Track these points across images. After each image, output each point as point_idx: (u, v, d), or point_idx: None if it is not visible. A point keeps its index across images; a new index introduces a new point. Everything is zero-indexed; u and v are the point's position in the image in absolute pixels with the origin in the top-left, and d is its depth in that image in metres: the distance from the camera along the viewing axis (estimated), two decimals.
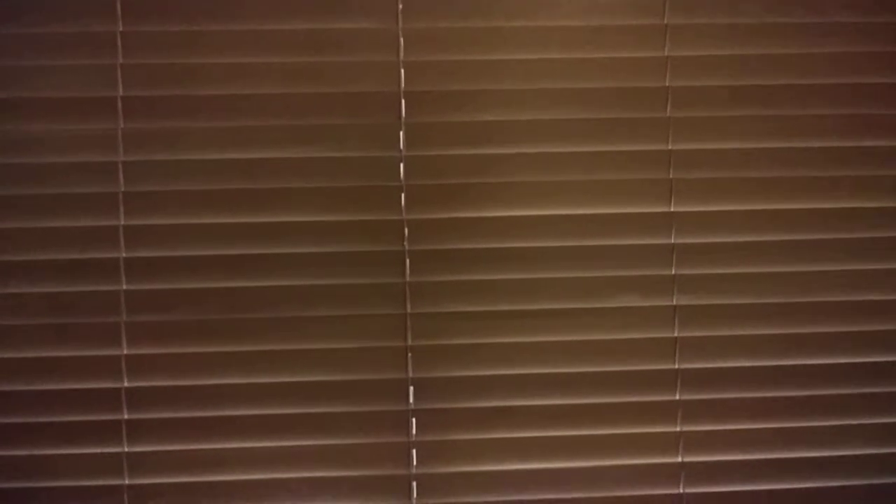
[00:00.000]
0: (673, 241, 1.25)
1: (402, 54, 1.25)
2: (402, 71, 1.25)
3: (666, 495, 1.22)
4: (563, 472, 1.22)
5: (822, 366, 1.25)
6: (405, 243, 1.24)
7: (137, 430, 1.20)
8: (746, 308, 1.24)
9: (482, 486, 1.21)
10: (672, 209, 1.25)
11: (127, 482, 1.19)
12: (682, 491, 1.22)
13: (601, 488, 1.22)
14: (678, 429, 1.23)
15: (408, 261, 1.23)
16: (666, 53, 1.27)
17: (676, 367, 1.24)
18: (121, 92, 1.23)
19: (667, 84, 1.27)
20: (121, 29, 1.23)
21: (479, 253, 1.23)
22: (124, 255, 1.21)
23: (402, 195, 1.24)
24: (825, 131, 1.27)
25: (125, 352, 1.20)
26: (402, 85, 1.25)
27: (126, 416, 1.20)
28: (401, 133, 1.25)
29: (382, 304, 1.23)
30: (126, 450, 1.19)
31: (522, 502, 1.21)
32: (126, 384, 1.20)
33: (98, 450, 1.19)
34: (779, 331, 1.25)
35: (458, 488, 1.21)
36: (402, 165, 1.24)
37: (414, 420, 1.22)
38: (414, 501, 1.21)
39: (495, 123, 1.25)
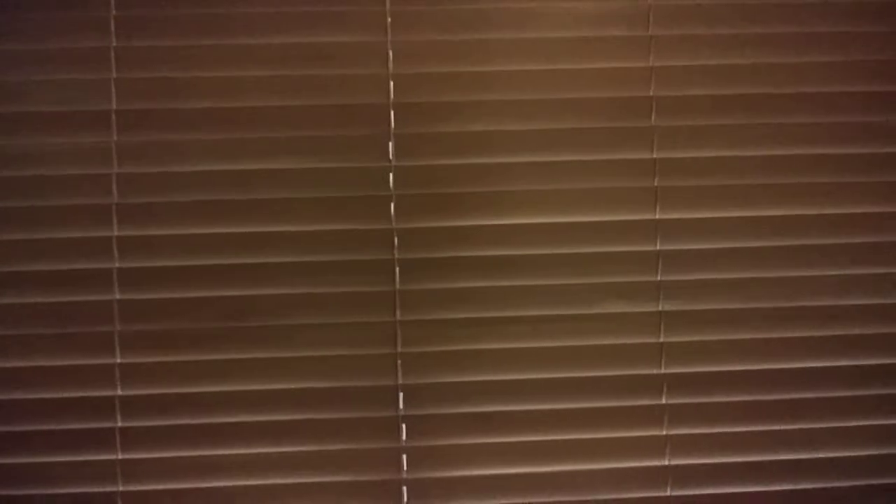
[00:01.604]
0: (658, 247, 1.27)
1: (391, 67, 1.27)
2: (392, 83, 1.27)
3: (653, 498, 1.24)
4: (552, 476, 1.23)
5: (807, 369, 1.26)
6: (395, 252, 1.25)
7: (131, 438, 1.21)
8: (731, 313, 1.26)
9: (472, 490, 1.23)
10: (657, 216, 1.27)
11: (121, 489, 1.21)
12: (669, 494, 1.24)
13: (589, 492, 1.23)
14: (664, 432, 1.25)
15: (397, 269, 1.25)
16: (650, 64, 1.29)
17: (662, 371, 1.25)
18: (114, 105, 1.25)
19: (651, 94, 1.29)
20: (114, 44, 1.25)
21: (468, 261, 1.25)
22: (118, 265, 1.23)
23: (392, 205, 1.26)
24: (808, 139, 1.29)
25: (118, 360, 1.22)
26: (392, 96, 1.27)
27: (119, 424, 1.21)
28: (390, 144, 1.27)
29: (372, 311, 1.24)
30: (120, 457, 1.21)
31: None
32: (119, 392, 1.22)
33: (92, 457, 1.21)
34: (763, 335, 1.26)
35: (449, 493, 1.23)
36: (391, 175, 1.26)
37: (404, 426, 1.23)
38: None
39: (483, 134, 1.27)
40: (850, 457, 1.25)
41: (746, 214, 1.27)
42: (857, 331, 1.27)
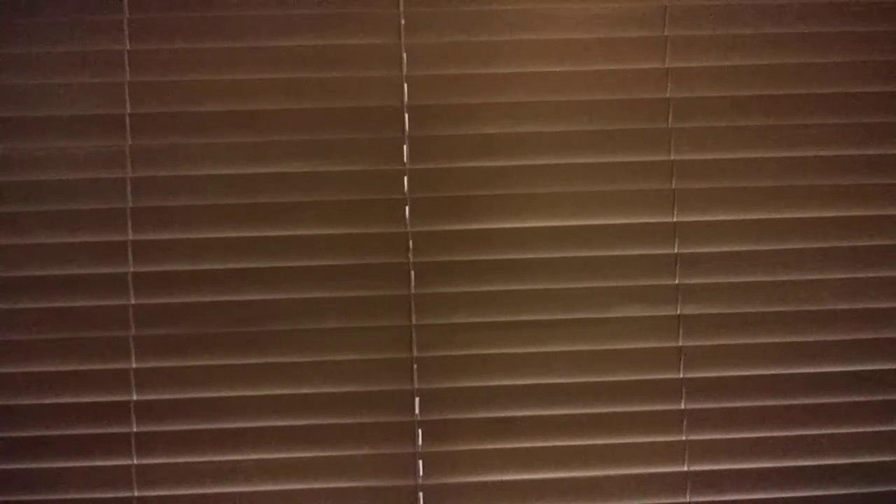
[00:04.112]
0: (676, 250, 1.26)
1: (405, 69, 1.27)
2: (406, 85, 1.27)
3: None
4: (569, 482, 1.22)
5: (827, 374, 1.25)
6: (410, 255, 1.25)
7: (146, 443, 1.21)
8: (750, 317, 1.25)
9: (488, 496, 1.22)
10: (675, 219, 1.26)
11: (136, 494, 1.20)
12: (688, 500, 1.23)
13: (607, 498, 1.22)
14: (683, 438, 1.23)
15: (412, 272, 1.24)
16: (667, 65, 1.28)
17: (681, 376, 1.24)
18: (129, 109, 1.25)
19: (668, 95, 1.28)
20: (128, 47, 1.25)
21: (483, 264, 1.24)
22: (132, 269, 1.23)
23: (407, 208, 1.25)
24: (826, 140, 1.28)
25: (134, 365, 1.22)
26: (406, 99, 1.26)
27: (135, 429, 1.21)
28: (404, 146, 1.26)
29: (388, 315, 1.24)
30: (135, 462, 1.21)
31: None
32: (135, 397, 1.21)
33: (108, 462, 1.20)
34: (783, 339, 1.25)
35: (465, 498, 1.22)
36: (405, 178, 1.26)
37: (420, 431, 1.23)
38: None
39: (498, 136, 1.26)
40: (873, 462, 1.24)
41: (766, 217, 1.26)
42: (880, 334, 1.25)
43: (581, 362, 1.24)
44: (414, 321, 1.24)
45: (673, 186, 1.26)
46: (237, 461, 1.21)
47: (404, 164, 1.26)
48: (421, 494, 1.22)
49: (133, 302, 1.22)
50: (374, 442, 1.22)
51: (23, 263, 1.22)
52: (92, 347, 1.21)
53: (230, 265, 1.23)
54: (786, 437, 1.24)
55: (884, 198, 1.27)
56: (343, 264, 1.24)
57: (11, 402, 1.21)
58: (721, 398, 1.24)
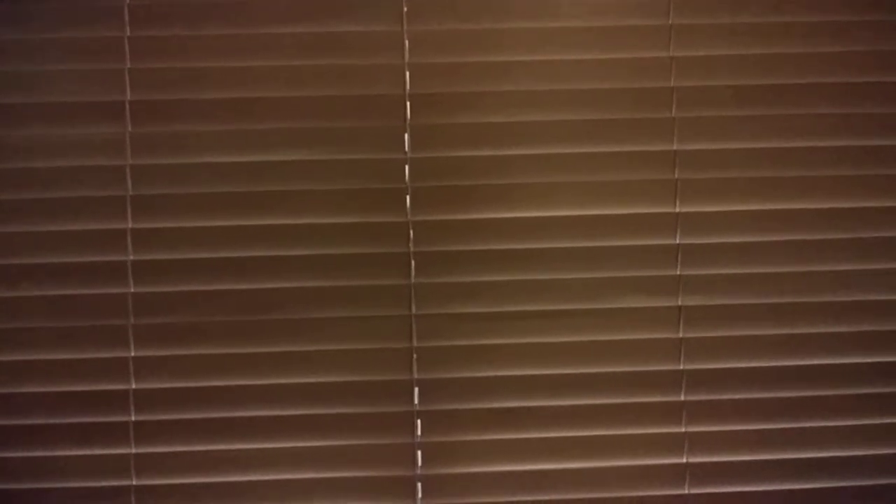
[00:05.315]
0: (678, 241, 1.25)
1: (406, 57, 1.26)
2: (407, 73, 1.26)
3: (671, 496, 1.22)
4: (569, 473, 1.22)
5: (828, 366, 1.24)
6: (410, 245, 1.24)
7: (145, 432, 1.21)
8: (751, 308, 1.24)
9: (487, 486, 1.22)
10: (677, 209, 1.25)
11: (134, 483, 1.20)
12: (687, 491, 1.22)
13: (606, 489, 1.22)
14: (683, 429, 1.23)
15: (413, 262, 1.24)
16: (670, 54, 1.27)
17: (681, 367, 1.24)
18: (129, 96, 1.24)
19: (671, 84, 1.27)
20: (128, 34, 1.25)
21: (484, 254, 1.24)
22: (132, 257, 1.22)
23: (408, 197, 1.25)
24: (830, 131, 1.27)
25: (133, 354, 1.21)
26: (408, 87, 1.26)
27: (134, 418, 1.21)
28: (406, 135, 1.25)
29: (388, 305, 1.23)
30: (134, 451, 1.21)
31: (527, 503, 1.21)
32: (134, 386, 1.21)
33: (106, 451, 1.20)
34: (784, 331, 1.24)
35: (463, 489, 1.22)
36: (407, 167, 1.25)
37: (419, 421, 1.22)
38: (419, 502, 1.21)
39: (500, 125, 1.25)
40: (874, 455, 1.23)
41: (768, 207, 1.25)
42: (884, 327, 1.25)
43: (581, 353, 1.23)
44: (414, 311, 1.23)
45: (675, 176, 1.25)
46: (235, 450, 1.21)
47: (406, 152, 1.25)
48: (419, 484, 1.22)
49: (132, 290, 1.22)
50: (373, 431, 1.22)
51: (21, 251, 1.22)
52: (91, 336, 1.21)
53: (230, 254, 1.23)
54: (785, 429, 1.23)
55: (888, 189, 1.26)
56: (343, 253, 1.23)
57: (10, 389, 1.21)
58: (721, 390, 1.23)
